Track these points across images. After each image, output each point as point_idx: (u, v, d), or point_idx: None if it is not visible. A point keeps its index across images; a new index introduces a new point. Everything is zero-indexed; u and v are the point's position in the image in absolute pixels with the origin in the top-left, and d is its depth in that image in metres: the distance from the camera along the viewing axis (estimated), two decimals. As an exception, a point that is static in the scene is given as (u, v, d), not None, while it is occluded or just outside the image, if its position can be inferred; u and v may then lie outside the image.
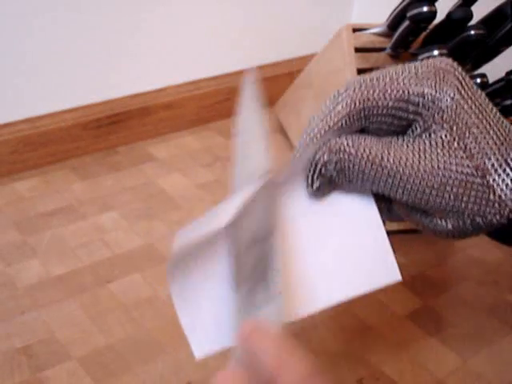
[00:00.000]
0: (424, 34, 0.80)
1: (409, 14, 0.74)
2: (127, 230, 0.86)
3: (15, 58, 0.94)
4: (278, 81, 1.17)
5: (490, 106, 0.40)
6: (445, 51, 0.74)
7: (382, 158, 0.39)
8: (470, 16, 0.74)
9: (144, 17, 1.03)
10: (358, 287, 0.41)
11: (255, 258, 0.37)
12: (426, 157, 0.39)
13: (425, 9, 0.73)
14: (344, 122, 0.40)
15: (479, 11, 0.75)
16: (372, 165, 0.39)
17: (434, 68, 0.40)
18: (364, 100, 0.40)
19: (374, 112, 0.40)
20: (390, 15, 0.83)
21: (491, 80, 0.77)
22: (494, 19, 0.74)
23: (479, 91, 0.40)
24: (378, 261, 0.42)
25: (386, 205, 0.43)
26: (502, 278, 0.80)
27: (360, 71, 0.82)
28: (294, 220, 0.42)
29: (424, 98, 0.39)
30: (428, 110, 0.39)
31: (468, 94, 0.39)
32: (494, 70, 0.79)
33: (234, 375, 0.33)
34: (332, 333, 0.71)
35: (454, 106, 0.39)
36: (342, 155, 0.39)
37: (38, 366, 0.65)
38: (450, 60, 0.41)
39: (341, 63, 0.85)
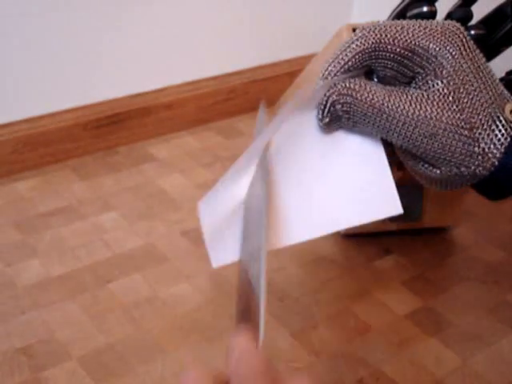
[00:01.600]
0: (424, 33, 0.80)
1: (409, 14, 0.74)
2: (127, 230, 0.86)
3: (15, 58, 0.94)
4: (278, 81, 1.17)
5: (489, 69, 0.45)
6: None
7: (382, 103, 0.42)
8: (470, 16, 0.74)
9: (144, 17, 1.03)
10: (361, 216, 0.44)
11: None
12: (421, 107, 0.42)
13: (425, 9, 0.73)
14: (356, 59, 0.44)
15: (479, 11, 0.75)
16: (373, 109, 0.42)
17: (442, 28, 0.43)
18: (375, 41, 0.43)
19: (383, 55, 0.43)
20: (390, 15, 0.83)
21: (491, 80, 0.77)
22: (493, 19, 0.74)
23: (480, 55, 0.45)
24: (381, 193, 0.45)
25: (388, 148, 0.46)
26: (502, 278, 0.80)
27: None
28: (303, 148, 0.45)
29: (428, 52, 0.43)
30: (430, 64, 0.43)
31: (469, 56, 0.43)
32: (494, 69, 0.79)
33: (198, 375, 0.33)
34: (332, 333, 0.71)
35: (454, 63, 0.43)
36: (347, 99, 0.43)
37: (37, 366, 0.65)
38: (458, 24, 0.44)
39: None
